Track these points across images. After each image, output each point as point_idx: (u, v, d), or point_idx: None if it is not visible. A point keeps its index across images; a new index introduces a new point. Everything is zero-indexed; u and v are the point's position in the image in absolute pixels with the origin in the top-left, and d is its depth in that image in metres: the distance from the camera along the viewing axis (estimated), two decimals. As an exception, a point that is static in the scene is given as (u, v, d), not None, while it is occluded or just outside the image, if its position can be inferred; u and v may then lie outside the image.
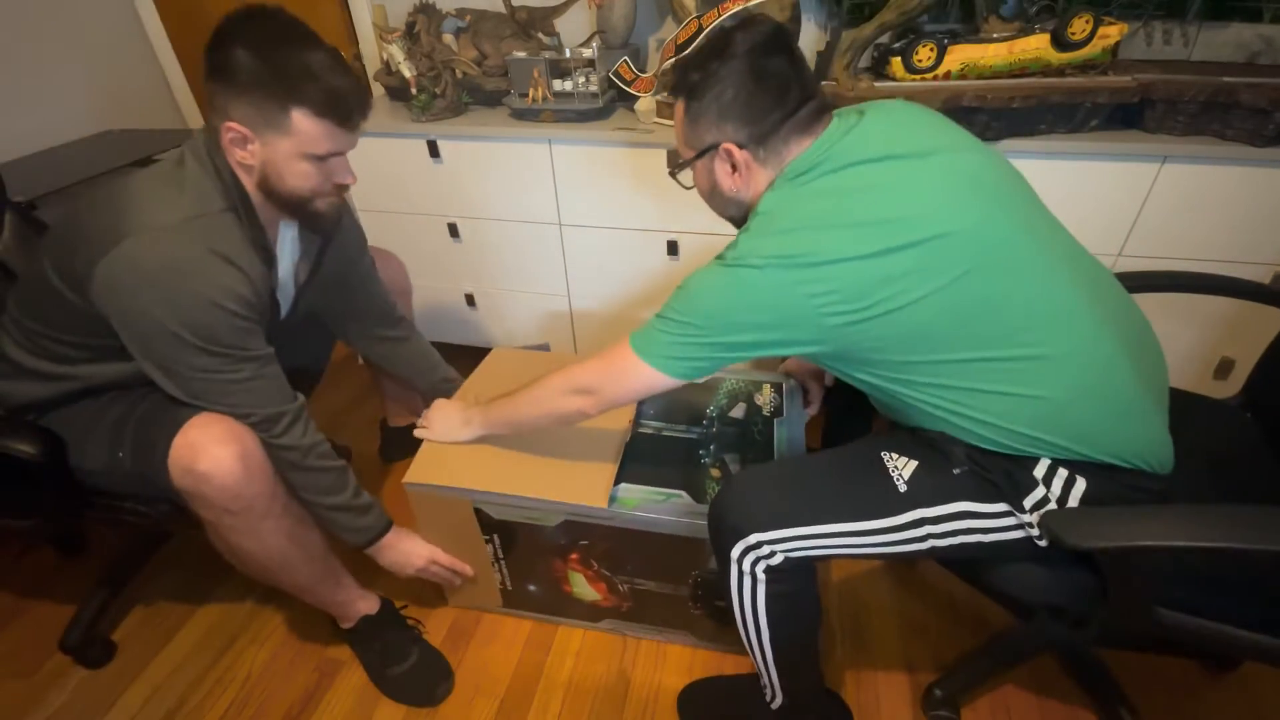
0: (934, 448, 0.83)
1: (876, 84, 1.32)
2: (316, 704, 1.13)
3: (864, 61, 1.42)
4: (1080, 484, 0.77)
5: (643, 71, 1.51)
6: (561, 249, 1.66)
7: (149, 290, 0.84)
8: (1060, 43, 1.27)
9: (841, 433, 1.32)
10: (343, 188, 0.92)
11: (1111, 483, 0.78)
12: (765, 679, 0.94)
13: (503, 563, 1.14)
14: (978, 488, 0.80)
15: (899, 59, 1.31)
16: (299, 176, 0.86)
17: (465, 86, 1.64)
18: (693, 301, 0.79)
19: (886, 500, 0.82)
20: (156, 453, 0.91)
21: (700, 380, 1.20)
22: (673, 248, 1.57)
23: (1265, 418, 1.03)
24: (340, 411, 1.77)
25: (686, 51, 1.34)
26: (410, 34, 1.62)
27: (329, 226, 1.03)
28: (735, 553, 0.83)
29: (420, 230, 1.74)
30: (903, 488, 0.82)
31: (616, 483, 1.02)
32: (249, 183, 0.88)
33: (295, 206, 0.90)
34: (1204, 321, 1.39)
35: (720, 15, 1.29)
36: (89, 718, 1.12)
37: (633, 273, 1.65)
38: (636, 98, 1.49)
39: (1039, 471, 0.78)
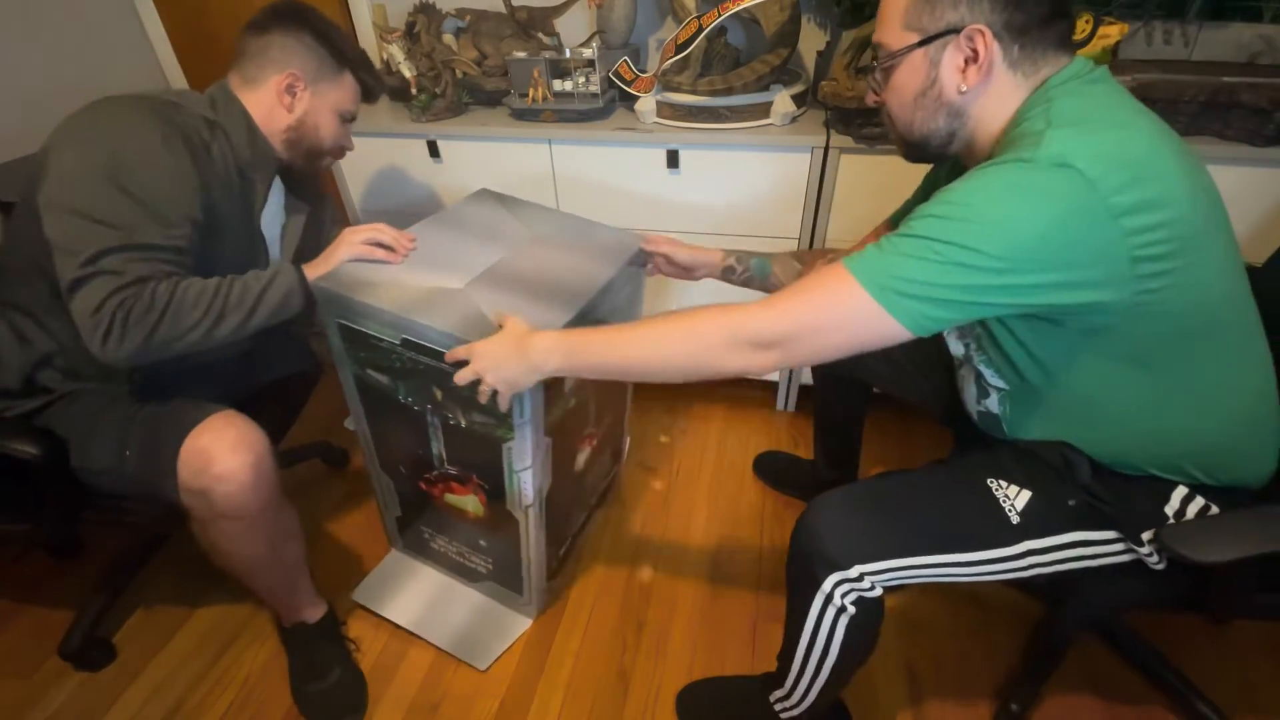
0: (1048, 474, 0.77)
1: (876, 84, 1.31)
2: (316, 704, 1.13)
3: (864, 61, 1.41)
4: (1214, 513, 0.74)
5: (643, 71, 1.50)
6: (561, 249, 1.66)
7: (80, 128, 0.90)
8: (1060, 43, 1.27)
9: (834, 449, 1.36)
10: (344, 150, 1.11)
11: (1233, 504, 0.75)
12: (795, 694, 0.89)
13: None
14: (1092, 518, 0.76)
15: (899, 59, 1.31)
16: (328, 128, 1.03)
17: (465, 86, 1.64)
18: (983, 216, 0.59)
19: (998, 533, 0.76)
20: (164, 455, 0.89)
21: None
22: (673, 248, 1.57)
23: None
24: (338, 411, 1.76)
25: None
26: (410, 34, 1.62)
27: (316, 187, 1.17)
28: (828, 585, 0.76)
29: (420, 230, 1.74)
30: (1015, 519, 0.76)
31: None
32: (271, 129, 0.99)
33: (311, 155, 1.05)
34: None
35: (720, 15, 1.29)
36: (89, 718, 1.12)
37: (633, 273, 1.65)
38: (636, 98, 1.49)
39: (1173, 504, 0.74)
